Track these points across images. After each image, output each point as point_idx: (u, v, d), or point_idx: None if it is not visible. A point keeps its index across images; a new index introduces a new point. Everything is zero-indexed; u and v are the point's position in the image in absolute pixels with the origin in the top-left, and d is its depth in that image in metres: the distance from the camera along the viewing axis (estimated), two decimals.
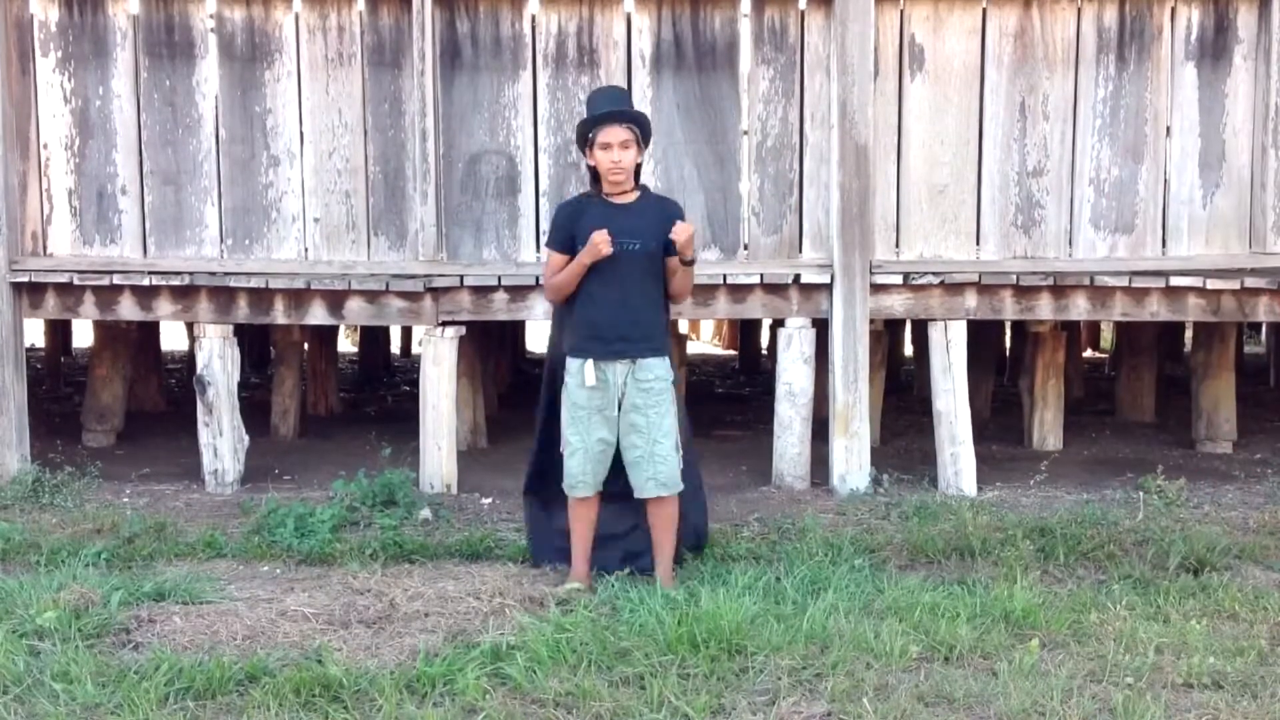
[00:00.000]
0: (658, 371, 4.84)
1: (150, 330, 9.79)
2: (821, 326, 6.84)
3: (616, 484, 4.96)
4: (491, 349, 9.73)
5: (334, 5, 6.73)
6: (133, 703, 3.66)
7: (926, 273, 6.72)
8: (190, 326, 10.02)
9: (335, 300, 6.77)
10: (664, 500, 4.89)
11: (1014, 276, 6.72)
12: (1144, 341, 9.28)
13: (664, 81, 6.77)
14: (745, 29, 6.78)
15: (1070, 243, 6.86)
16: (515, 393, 11.20)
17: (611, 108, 4.89)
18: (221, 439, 6.71)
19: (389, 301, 6.77)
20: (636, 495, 4.91)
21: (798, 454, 6.76)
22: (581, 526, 4.97)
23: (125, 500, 6.45)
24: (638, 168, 4.95)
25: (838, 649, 4.11)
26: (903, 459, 7.65)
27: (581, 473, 4.91)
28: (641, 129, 4.89)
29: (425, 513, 6.08)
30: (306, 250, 6.82)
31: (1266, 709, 3.72)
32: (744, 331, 13.87)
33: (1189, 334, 11.78)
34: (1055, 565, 5.25)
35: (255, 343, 11.99)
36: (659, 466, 4.83)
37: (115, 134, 6.77)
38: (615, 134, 4.80)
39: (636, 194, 4.92)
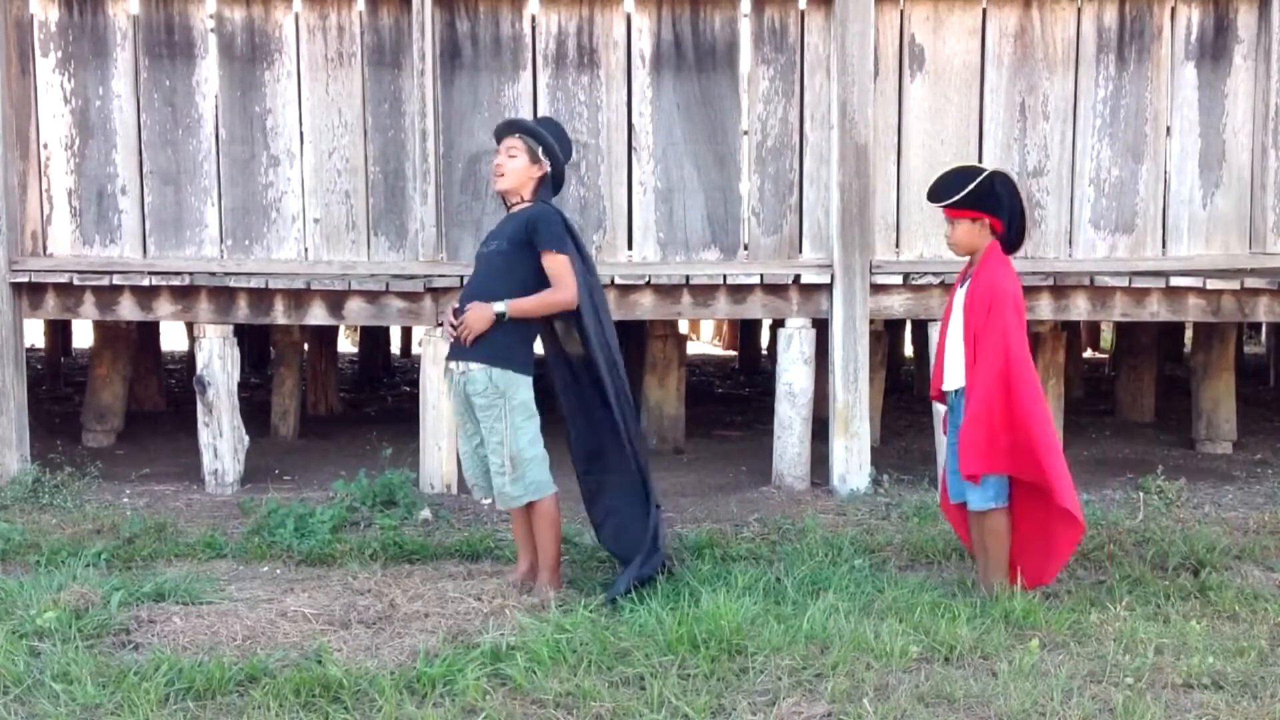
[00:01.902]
0: (478, 386, 4.67)
1: (150, 330, 9.79)
2: (821, 327, 6.84)
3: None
4: None
5: (334, 5, 6.73)
6: (133, 703, 3.66)
7: (926, 273, 6.72)
8: (190, 327, 10.03)
9: (335, 300, 6.77)
10: (530, 507, 4.80)
11: None
12: (1144, 342, 9.28)
13: (664, 81, 6.78)
14: (745, 29, 6.78)
15: (1070, 243, 6.87)
16: None
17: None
18: (221, 439, 6.71)
19: (389, 302, 6.77)
20: None
21: (798, 454, 6.76)
22: (513, 525, 5.04)
23: (125, 500, 6.45)
24: (544, 178, 4.82)
25: (838, 649, 4.11)
26: (903, 459, 7.65)
27: (468, 476, 4.96)
28: (539, 142, 4.80)
29: (425, 513, 6.08)
30: (306, 250, 6.82)
31: (1266, 709, 3.72)
32: (744, 331, 13.88)
33: (1189, 334, 11.78)
34: None
35: (255, 343, 11.99)
36: (494, 479, 4.76)
37: (115, 134, 6.78)
38: (503, 144, 4.86)
39: (528, 204, 4.81)
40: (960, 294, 4.77)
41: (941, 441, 6.74)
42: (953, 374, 4.78)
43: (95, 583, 4.73)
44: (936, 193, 4.69)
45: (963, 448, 4.58)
